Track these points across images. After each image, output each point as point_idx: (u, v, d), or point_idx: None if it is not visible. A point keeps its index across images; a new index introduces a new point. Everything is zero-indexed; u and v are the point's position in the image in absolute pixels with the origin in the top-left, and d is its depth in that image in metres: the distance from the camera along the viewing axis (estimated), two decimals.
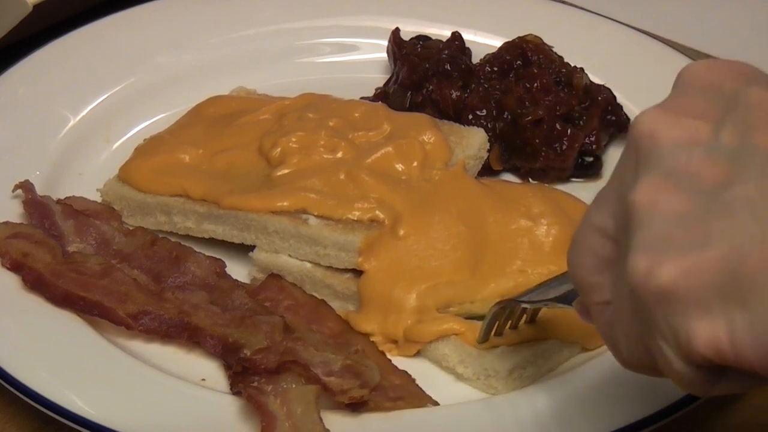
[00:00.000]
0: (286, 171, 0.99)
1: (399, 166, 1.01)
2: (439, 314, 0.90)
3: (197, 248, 0.98)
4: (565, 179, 1.09)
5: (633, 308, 0.58)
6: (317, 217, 0.96)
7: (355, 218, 0.95)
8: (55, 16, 1.20)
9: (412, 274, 0.93)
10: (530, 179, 1.10)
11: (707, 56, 1.22)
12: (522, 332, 0.88)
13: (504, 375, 0.86)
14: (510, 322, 0.88)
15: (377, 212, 0.96)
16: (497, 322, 0.87)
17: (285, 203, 0.96)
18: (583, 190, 1.06)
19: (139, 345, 0.90)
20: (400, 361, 0.90)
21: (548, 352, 0.88)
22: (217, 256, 0.97)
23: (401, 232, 0.95)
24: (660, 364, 0.58)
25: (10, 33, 1.12)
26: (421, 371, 0.90)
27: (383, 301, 0.92)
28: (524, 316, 0.88)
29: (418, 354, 0.91)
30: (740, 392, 0.59)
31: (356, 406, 0.84)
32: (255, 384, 0.84)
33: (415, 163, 1.01)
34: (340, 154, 1.01)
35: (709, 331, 0.54)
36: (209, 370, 0.89)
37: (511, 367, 0.87)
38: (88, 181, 1.05)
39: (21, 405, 0.85)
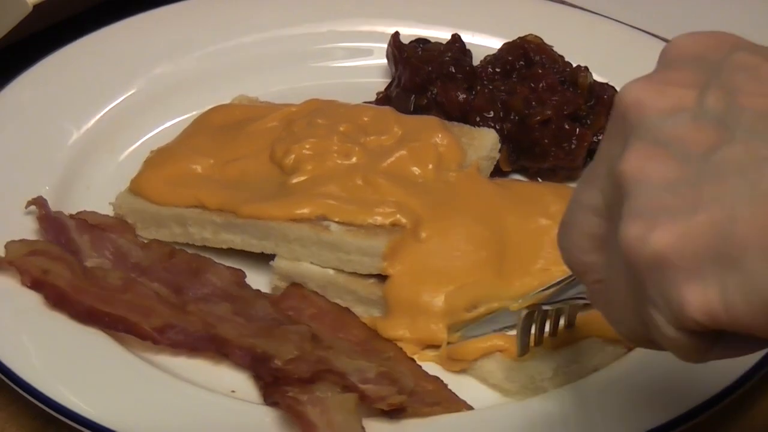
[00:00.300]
0: (302, 178, 0.98)
1: (414, 169, 1.00)
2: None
3: (214, 259, 0.96)
4: (574, 178, 1.09)
5: (626, 280, 0.58)
6: (338, 223, 0.95)
7: (377, 223, 0.95)
8: (55, 16, 1.18)
9: (438, 276, 0.92)
10: (539, 179, 1.09)
11: None
12: (561, 337, 0.88)
13: (549, 375, 0.86)
14: (548, 329, 0.87)
15: (398, 216, 0.95)
16: (531, 333, 0.87)
17: (305, 210, 0.95)
18: None
19: (165, 359, 0.88)
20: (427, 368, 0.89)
21: (590, 350, 0.88)
22: (235, 267, 0.96)
23: (423, 235, 0.94)
24: (654, 333, 0.57)
25: (10, 33, 1.10)
26: (450, 376, 0.89)
27: (411, 305, 0.91)
28: (561, 322, 0.88)
29: (463, 371, 0.90)
30: (737, 356, 0.58)
31: (394, 413, 0.83)
32: (290, 394, 0.83)
33: (430, 166, 1.00)
34: (354, 159, 1.00)
35: (702, 296, 0.54)
36: (238, 381, 0.88)
37: (555, 366, 0.86)
38: (96, 194, 1.03)
39: (22, 404, 0.84)
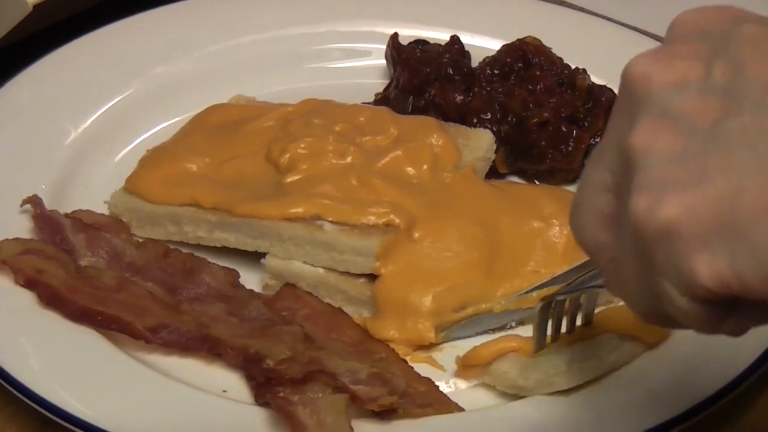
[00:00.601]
0: (296, 177, 0.98)
1: (409, 170, 1.00)
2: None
3: (208, 258, 0.96)
4: (571, 180, 1.09)
5: (637, 254, 0.58)
6: (332, 222, 0.95)
7: (371, 223, 0.95)
8: (55, 16, 1.18)
9: (428, 276, 0.93)
10: (536, 181, 1.09)
11: None
12: (577, 333, 0.88)
13: (564, 369, 0.85)
14: (564, 326, 0.87)
15: (392, 216, 0.95)
16: (547, 327, 0.87)
17: (299, 210, 0.95)
18: None
19: (157, 358, 0.89)
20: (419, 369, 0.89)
21: (607, 345, 0.87)
22: (228, 266, 0.96)
23: (416, 235, 0.95)
24: (666, 305, 0.58)
25: (10, 33, 1.11)
26: (442, 378, 0.89)
27: (400, 305, 0.91)
28: (578, 318, 0.88)
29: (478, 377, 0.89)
30: (753, 326, 0.58)
31: (385, 414, 0.83)
32: (281, 394, 0.83)
33: (425, 166, 1.01)
34: (349, 159, 1.01)
35: (712, 265, 0.54)
36: (230, 381, 0.88)
37: (569, 360, 0.86)
38: (93, 193, 1.03)
39: (21, 404, 0.84)
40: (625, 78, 0.60)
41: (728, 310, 0.57)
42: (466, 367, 0.89)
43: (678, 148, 0.56)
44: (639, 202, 0.56)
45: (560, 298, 0.85)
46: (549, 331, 0.87)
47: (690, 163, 0.55)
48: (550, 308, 0.86)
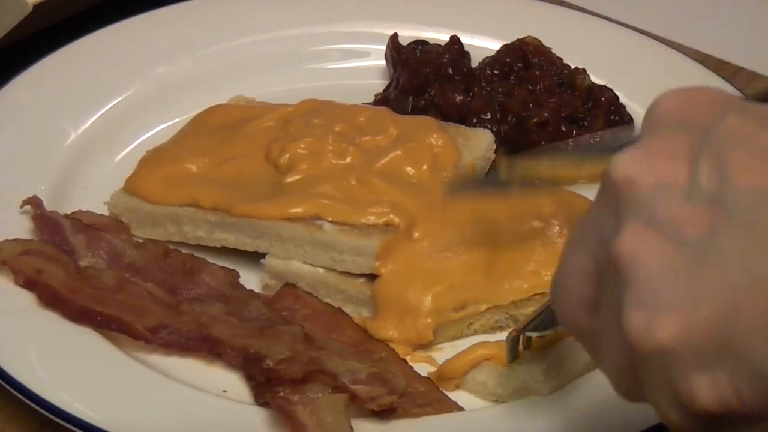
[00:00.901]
0: (296, 177, 0.98)
1: (409, 170, 1.00)
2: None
3: (208, 259, 0.96)
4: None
5: (626, 355, 0.57)
6: (332, 222, 0.95)
7: (370, 223, 0.95)
8: (55, 16, 1.18)
9: (427, 276, 0.93)
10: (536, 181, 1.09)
11: (707, 56, 1.22)
12: (549, 338, 0.87)
13: (541, 378, 0.86)
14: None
15: (392, 216, 0.95)
16: (519, 343, 0.86)
17: (299, 210, 0.95)
18: (589, 191, 1.05)
19: (157, 358, 0.89)
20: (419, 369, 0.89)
21: (579, 347, 0.86)
22: (227, 266, 0.96)
23: (416, 235, 0.95)
24: (659, 413, 0.57)
25: (10, 33, 1.11)
26: None
27: (399, 304, 0.92)
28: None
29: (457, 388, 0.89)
30: None
31: (385, 414, 0.83)
32: (281, 394, 0.83)
33: (425, 166, 1.01)
34: (349, 159, 1.01)
35: (712, 387, 0.54)
36: (230, 381, 0.88)
37: (546, 366, 0.86)
38: (93, 194, 1.03)
39: (21, 404, 0.84)
40: (610, 176, 0.58)
41: (722, 422, 0.56)
42: (443, 379, 0.88)
43: (667, 261, 0.55)
44: (633, 320, 0.55)
45: (529, 334, 0.85)
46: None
47: (682, 279, 0.54)
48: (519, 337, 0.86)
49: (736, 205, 0.54)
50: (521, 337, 0.86)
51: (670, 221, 0.55)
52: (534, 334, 0.85)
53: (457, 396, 0.87)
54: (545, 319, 0.84)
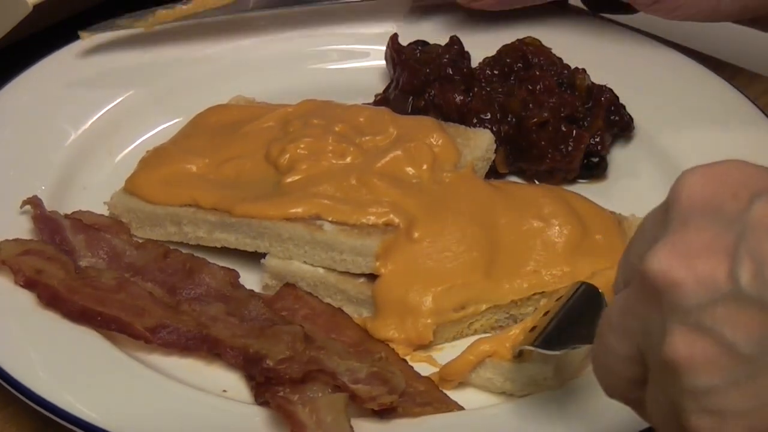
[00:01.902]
0: (296, 177, 0.99)
1: (409, 170, 1.00)
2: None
3: (208, 259, 0.96)
4: (571, 180, 1.09)
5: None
6: (332, 222, 0.95)
7: (371, 223, 0.95)
8: (55, 16, 1.19)
9: (427, 276, 0.93)
10: (536, 181, 1.09)
11: (706, 57, 1.22)
12: None
13: (550, 373, 0.86)
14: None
15: (392, 216, 0.95)
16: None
17: (299, 210, 0.95)
18: (589, 191, 1.06)
19: (157, 358, 0.89)
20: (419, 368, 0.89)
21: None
22: (227, 266, 0.96)
23: (416, 235, 0.95)
24: None
25: (10, 33, 1.11)
26: None
27: (399, 304, 0.92)
28: None
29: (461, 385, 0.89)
30: None
31: (385, 413, 0.83)
32: (281, 394, 0.83)
33: (424, 166, 1.01)
34: (349, 159, 1.01)
35: None
36: (230, 381, 0.88)
37: (555, 365, 0.86)
38: (93, 194, 1.03)
39: (21, 405, 0.84)
40: (647, 272, 0.60)
41: None
42: (445, 381, 0.88)
43: (726, 372, 0.58)
44: (701, 426, 0.59)
45: (542, 352, 0.84)
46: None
47: (742, 385, 0.58)
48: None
49: None
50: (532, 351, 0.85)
51: (718, 327, 0.58)
52: (548, 353, 0.84)
53: (458, 395, 0.87)
54: (554, 335, 0.83)
